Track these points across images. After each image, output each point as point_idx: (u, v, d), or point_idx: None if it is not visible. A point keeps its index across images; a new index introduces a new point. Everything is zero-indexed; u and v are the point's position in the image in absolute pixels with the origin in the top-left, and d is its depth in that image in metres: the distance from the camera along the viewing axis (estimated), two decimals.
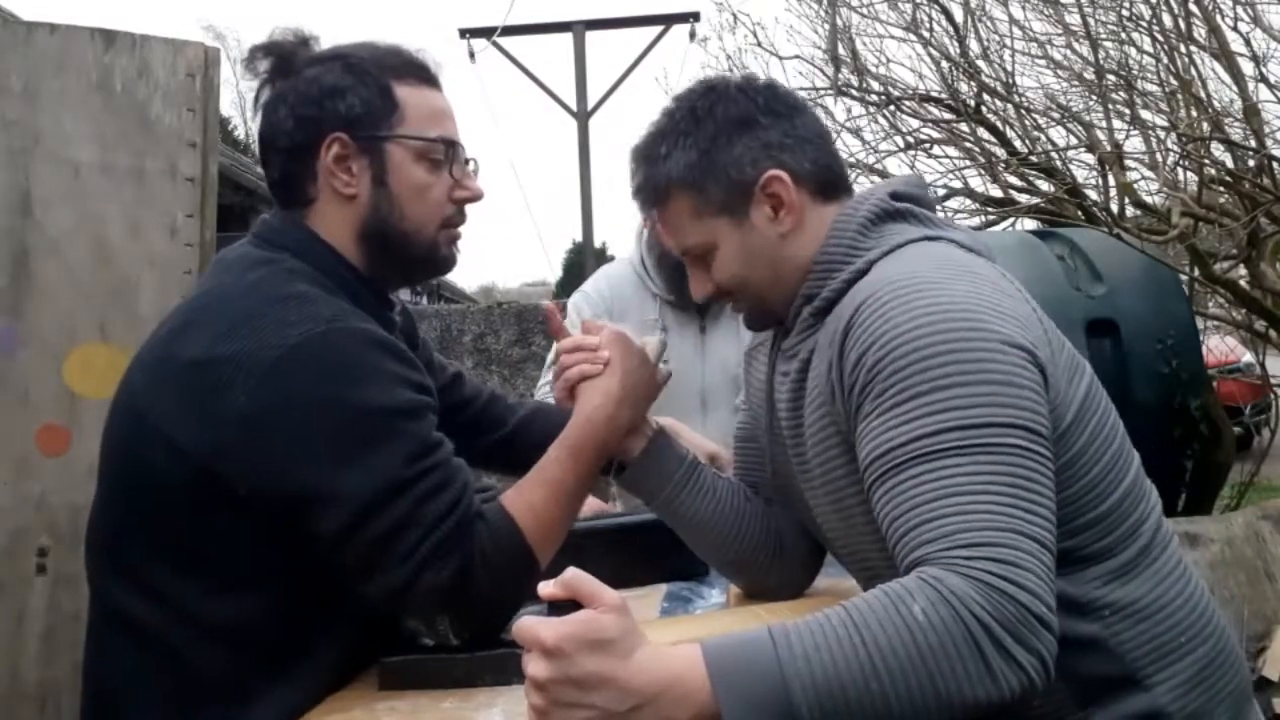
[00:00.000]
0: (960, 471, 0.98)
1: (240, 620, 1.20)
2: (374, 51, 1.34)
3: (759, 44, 6.20)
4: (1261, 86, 4.18)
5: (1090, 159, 4.86)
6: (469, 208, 1.39)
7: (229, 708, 1.19)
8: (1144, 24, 4.46)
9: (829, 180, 1.27)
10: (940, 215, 1.28)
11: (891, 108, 5.53)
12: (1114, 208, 4.21)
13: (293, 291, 1.23)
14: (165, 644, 1.20)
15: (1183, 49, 4.32)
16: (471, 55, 13.78)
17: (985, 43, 5.16)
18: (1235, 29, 4.20)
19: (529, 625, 0.89)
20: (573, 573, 0.91)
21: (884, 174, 5.50)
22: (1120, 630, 1.13)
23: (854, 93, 5.57)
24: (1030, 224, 5.40)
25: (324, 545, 1.18)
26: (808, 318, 1.23)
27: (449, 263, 1.39)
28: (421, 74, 1.36)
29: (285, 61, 1.33)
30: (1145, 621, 1.14)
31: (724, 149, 1.23)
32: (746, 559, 1.43)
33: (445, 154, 1.34)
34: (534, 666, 0.88)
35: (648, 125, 1.29)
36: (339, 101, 1.30)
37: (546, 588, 0.91)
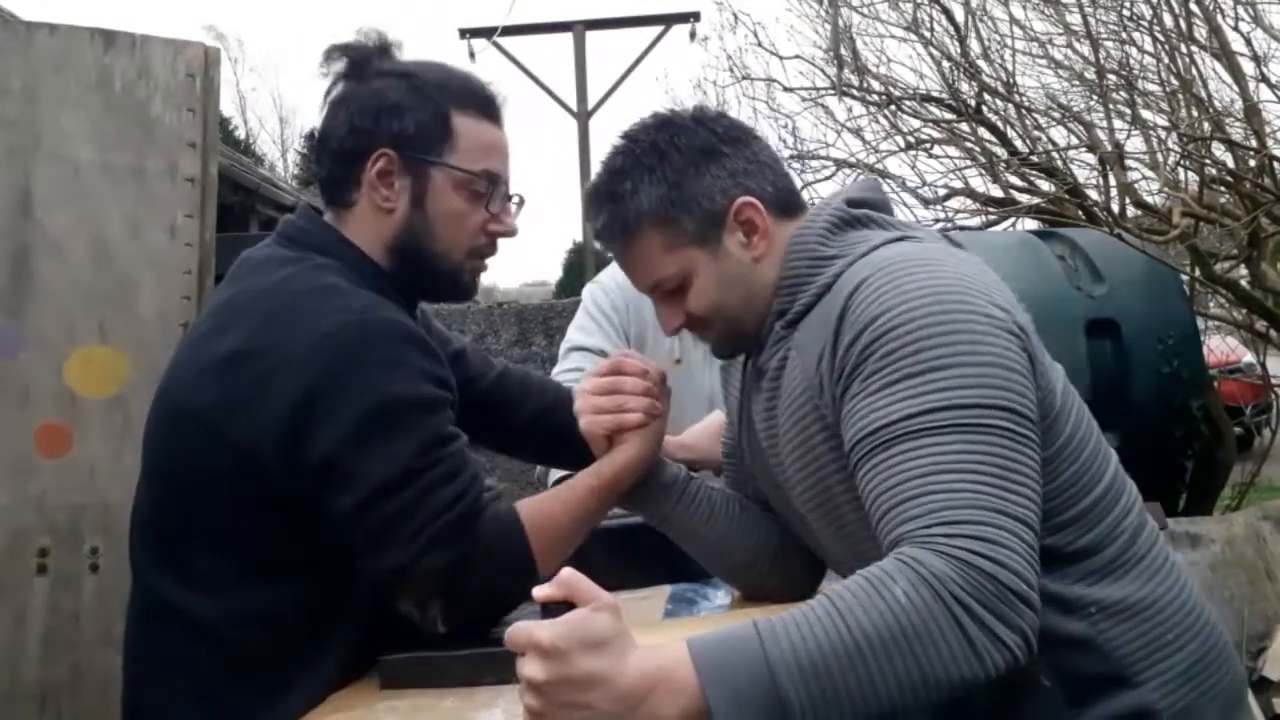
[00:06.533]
0: (945, 450, 0.99)
1: (272, 607, 1.26)
2: (442, 76, 1.39)
3: (759, 44, 6.18)
4: (1262, 86, 4.19)
5: (1091, 159, 4.86)
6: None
7: (269, 694, 1.24)
8: (1145, 24, 4.46)
9: (789, 201, 1.28)
10: (899, 217, 1.29)
11: (892, 107, 5.53)
12: (1115, 208, 4.21)
13: (324, 284, 1.28)
14: (210, 629, 1.26)
15: (1183, 49, 4.31)
16: (472, 55, 13.74)
17: (986, 42, 5.16)
18: (1236, 29, 4.20)
19: (523, 628, 0.89)
20: (568, 573, 0.91)
21: (885, 174, 5.50)
22: (1108, 628, 1.13)
23: (855, 92, 5.57)
24: (1031, 224, 5.40)
25: (336, 523, 1.23)
26: (779, 331, 1.24)
27: (470, 291, 1.44)
28: (484, 107, 1.40)
29: (358, 66, 1.38)
30: (1133, 619, 1.14)
31: (693, 180, 1.23)
32: (745, 565, 1.43)
33: (487, 188, 1.38)
34: (530, 668, 0.88)
35: (604, 163, 1.28)
36: (395, 120, 1.34)
37: (541, 590, 0.91)
